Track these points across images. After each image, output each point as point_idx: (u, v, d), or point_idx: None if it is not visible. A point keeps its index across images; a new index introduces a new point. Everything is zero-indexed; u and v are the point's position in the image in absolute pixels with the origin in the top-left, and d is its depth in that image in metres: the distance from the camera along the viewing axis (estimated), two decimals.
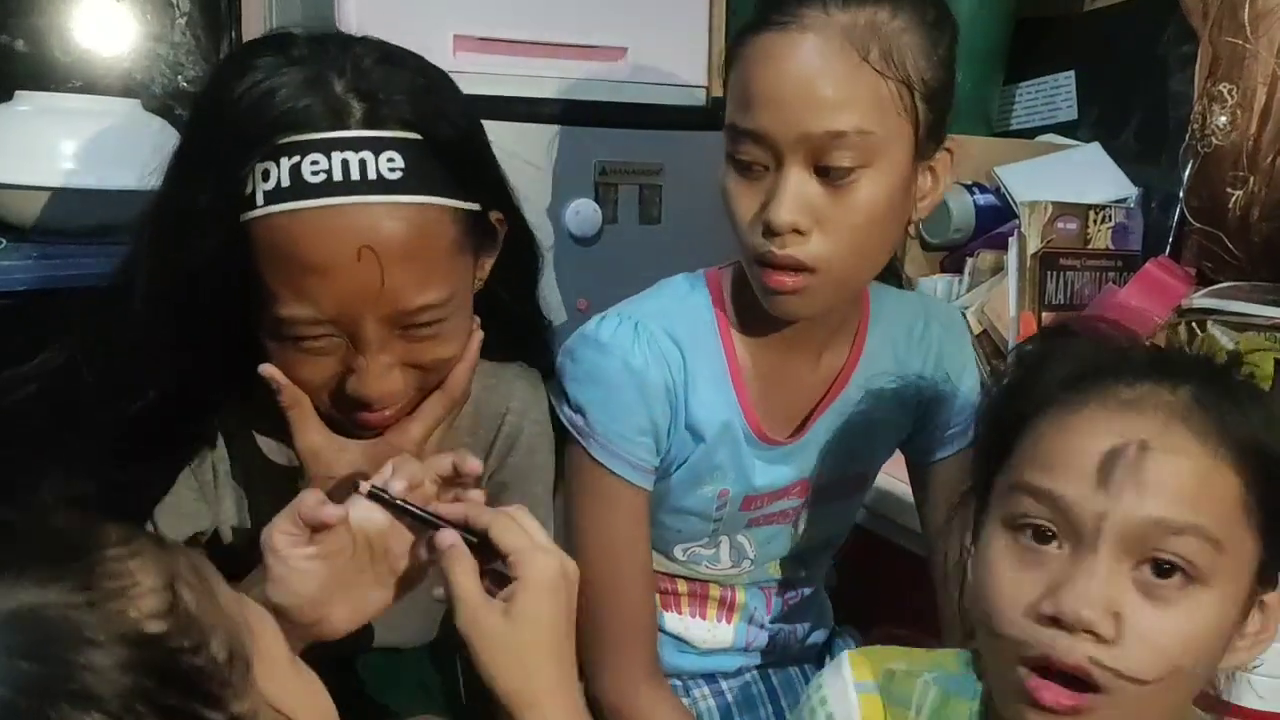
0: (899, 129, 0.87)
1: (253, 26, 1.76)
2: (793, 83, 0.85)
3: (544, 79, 1.52)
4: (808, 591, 1.18)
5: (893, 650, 0.83)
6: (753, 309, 0.98)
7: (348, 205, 0.75)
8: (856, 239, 0.89)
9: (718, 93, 1.75)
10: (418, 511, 0.74)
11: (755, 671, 1.16)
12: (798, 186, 0.87)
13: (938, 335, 1.09)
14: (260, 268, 0.76)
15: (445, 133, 0.79)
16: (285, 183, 0.74)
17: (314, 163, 0.74)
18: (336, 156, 0.74)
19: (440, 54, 1.46)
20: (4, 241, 1.23)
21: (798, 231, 0.87)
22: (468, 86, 1.41)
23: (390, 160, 0.75)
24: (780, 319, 0.97)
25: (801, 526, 1.11)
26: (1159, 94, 1.67)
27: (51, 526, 0.51)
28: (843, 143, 0.85)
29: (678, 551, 1.09)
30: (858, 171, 0.87)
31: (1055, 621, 0.64)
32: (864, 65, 0.85)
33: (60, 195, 1.22)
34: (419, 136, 0.77)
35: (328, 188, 0.74)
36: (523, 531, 0.74)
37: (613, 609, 0.99)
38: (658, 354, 0.97)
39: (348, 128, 0.75)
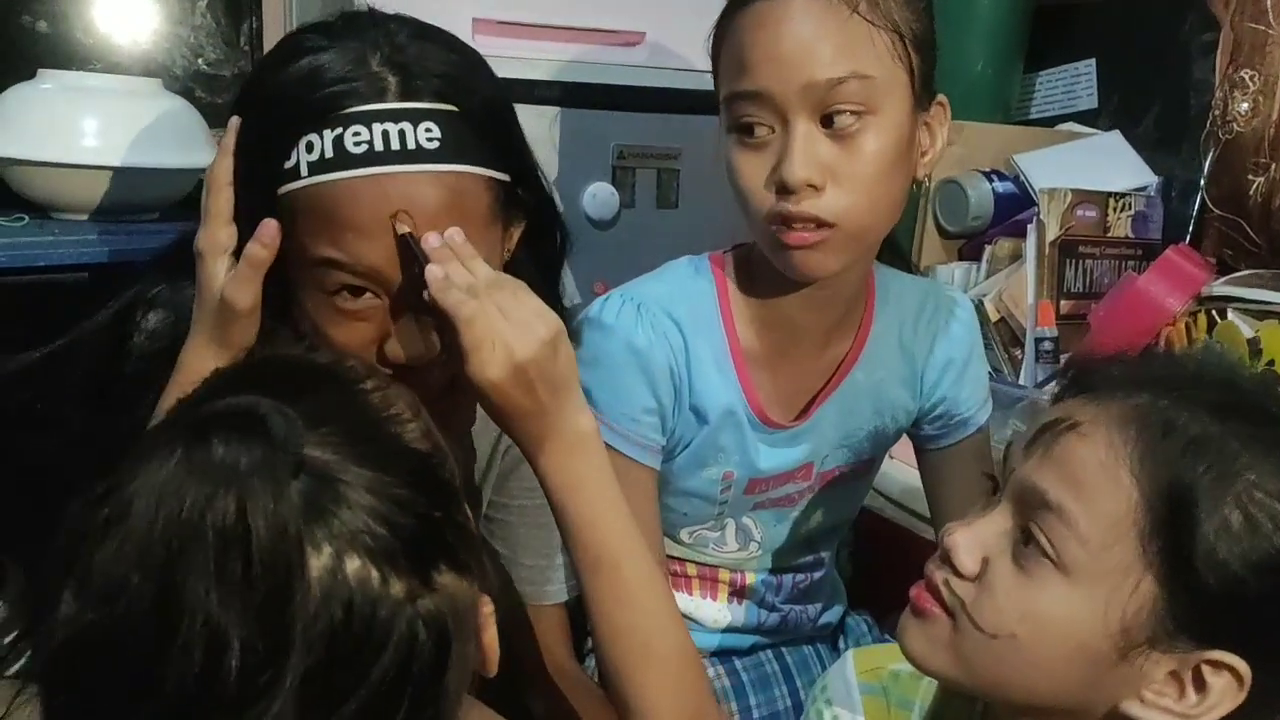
0: (895, 76, 0.89)
1: (273, 11, 1.77)
2: (790, 39, 0.87)
3: (562, 63, 1.53)
4: (818, 574, 1.18)
5: (896, 650, 0.84)
6: (757, 291, 0.99)
7: (389, 174, 0.77)
8: (869, 190, 0.89)
9: None
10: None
11: (769, 650, 1.16)
12: (806, 142, 0.87)
13: (944, 320, 1.09)
14: (305, 236, 0.79)
15: (478, 105, 0.81)
16: (329, 154, 0.77)
17: (356, 134, 0.77)
18: (377, 128, 0.77)
19: (460, 37, 1.49)
20: (25, 218, 1.24)
21: (812, 187, 0.88)
22: None
23: (428, 130, 0.78)
24: (783, 301, 0.97)
25: (808, 509, 1.11)
26: (1180, 82, 1.67)
27: (308, 361, 0.60)
28: (845, 90, 0.86)
29: (684, 535, 1.09)
30: (863, 119, 0.88)
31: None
32: (855, 16, 0.87)
33: (81, 173, 1.23)
34: (454, 108, 0.79)
35: (369, 157, 0.77)
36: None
37: None
38: (660, 335, 0.97)
39: (386, 100, 0.78)
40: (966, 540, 0.70)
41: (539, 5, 1.51)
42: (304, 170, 0.78)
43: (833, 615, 1.22)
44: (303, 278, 0.82)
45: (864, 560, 1.46)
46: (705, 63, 1.65)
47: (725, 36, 0.93)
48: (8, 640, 1.01)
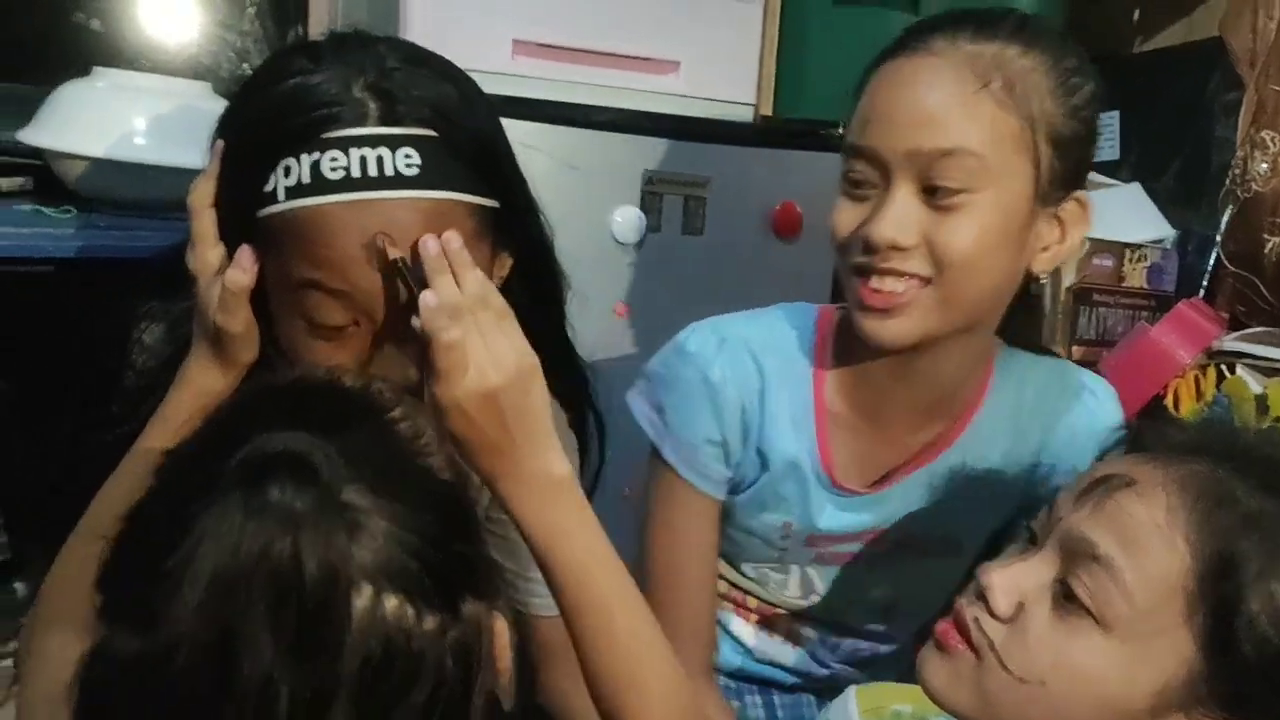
0: (1015, 164, 0.86)
1: (318, 19, 1.82)
2: (908, 102, 0.86)
3: (598, 87, 1.56)
4: (886, 650, 1.13)
5: (900, 689, 0.84)
6: (852, 352, 0.97)
7: (365, 200, 0.76)
8: (958, 265, 0.87)
9: (766, 110, 1.78)
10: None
11: (812, 695, 1.15)
12: (902, 205, 0.86)
13: (1068, 404, 1.02)
14: (283, 261, 0.79)
15: (464, 130, 0.80)
16: (306, 179, 0.76)
17: (333, 159, 0.76)
18: (355, 153, 0.76)
19: (499, 57, 1.53)
20: (73, 210, 1.28)
21: (898, 249, 0.86)
22: (523, 90, 1.49)
23: (407, 156, 0.77)
24: (872, 368, 0.95)
25: (877, 575, 1.07)
26: (1202, 138, 1.69)
27: (341, 388, 0.61)
28: (950, 162, 0.84)
29: (748, 568, 1.08)
30: (964, 195, 0.85)
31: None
32: (983, 93, 0.85)
33: (129, 169, 1.27)
34: (435, 134, 0.79)
35: (347, 183, 0.76)
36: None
37: (672, 607, 0.99)
38: (738, 373, 0.97)
39: (366, 125, 0.77)
40: (1004, 582, 0.69)
41: (578, 30, 1.55)
42: (281, 195, 0.77)
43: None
44: (281, 301, 0.81)
45: None
46: (736, 94, 1.71)
47: (862, 86, 0.91)
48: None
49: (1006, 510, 1.05)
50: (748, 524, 1.03)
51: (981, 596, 0.70)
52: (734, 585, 1.10)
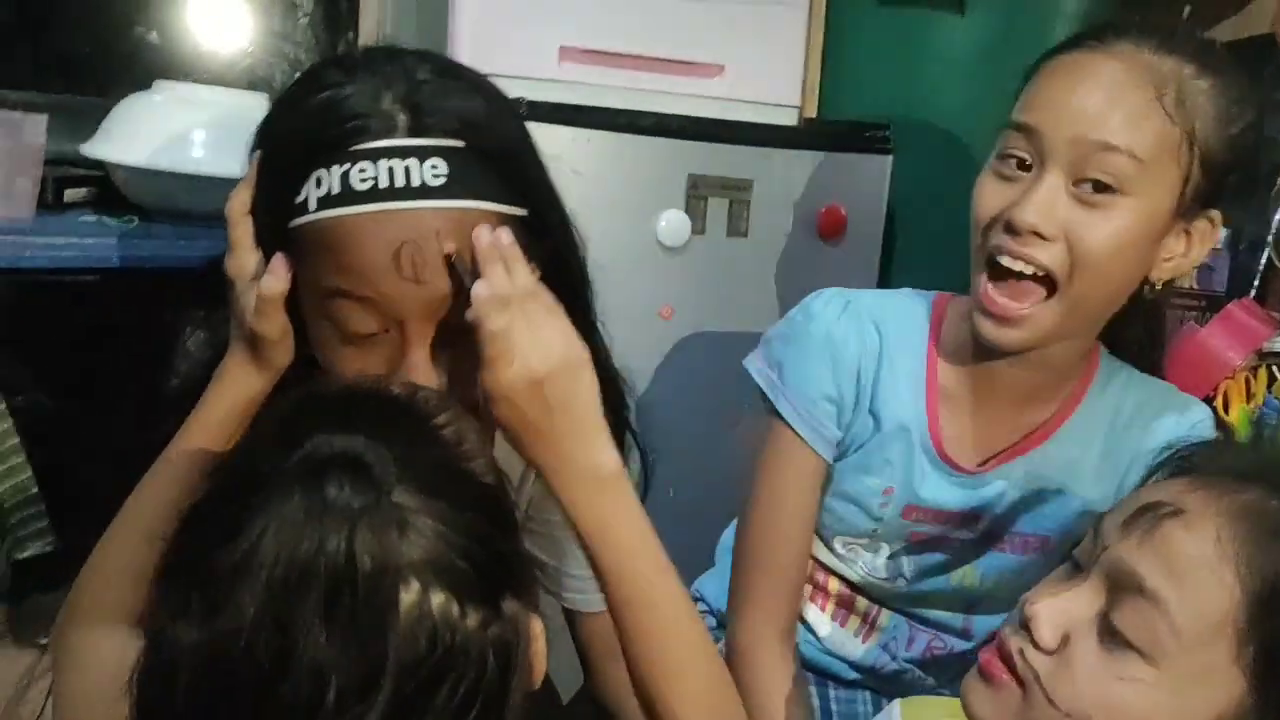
0: (1166, 176, 0.88)
1: (369, 28, 1.85)
2: (1082, 91, 0.88)
3: (643, 92, 1.58)
4: (961, 648, 1.13)
5: (946, 703, 0.83)
6: (963, 341, 1.00)
7: (392, 210, 0.78)
8: (1091, 264, 0.89)
9: (810, 113, 1.80)
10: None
11: (870, 693, 1.15)
12: (1049, 192, 0.88)
13: (1168, 438, 0.99)
14: (314, 269, 0.81)
15: (491, 140, 0.82)
16: (336, 190, 0.78)
17: (362, 170, 0.77)
18: (383, 164, 0.78)
19: (546, 64, 1.56)
20: (135, 219, 1.33)
21: (1038, 235, 0.88)
22: (571, 96, 1.51)
23: (434, 167, 0.78)
24: (985, 358, 0.98)
25: (963, 564, 1.08)
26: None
27: (389, 394, 0.63)
28: (1109, 158, 0.87)
29: (838, 544, 1.09)
30: (1113, 195, 0.88)
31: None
32: (1156, 104, 0.87)
33: (188, 180, 1.31)
34: (463, 144, 0.80)
35: (375, 194, 0.78)
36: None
37: (765, 560, 1.04)
38: (858, 334, 1.01)
39: (394, 137, 0.79)
40: (1049, 613, 0.68)
41: (624, 36, 1.57)
42: (312, 205, 0.79)
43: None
44: (314, 308, 0.83)
45: None
46: (781, 97, 1.72)
47: (1034, 73, 0.93)
48: None
49: (1089, 521, 1.04)
50: (850, 489, 1.05)
51: (1025, 626, 0.69)
52: (821, 565, 1.11)
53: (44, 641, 1.01)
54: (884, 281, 1.70)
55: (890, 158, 1.65)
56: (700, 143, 1.56)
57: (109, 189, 1.37)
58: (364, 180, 0.77)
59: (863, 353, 1.01)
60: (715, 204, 1.56)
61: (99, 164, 1.36)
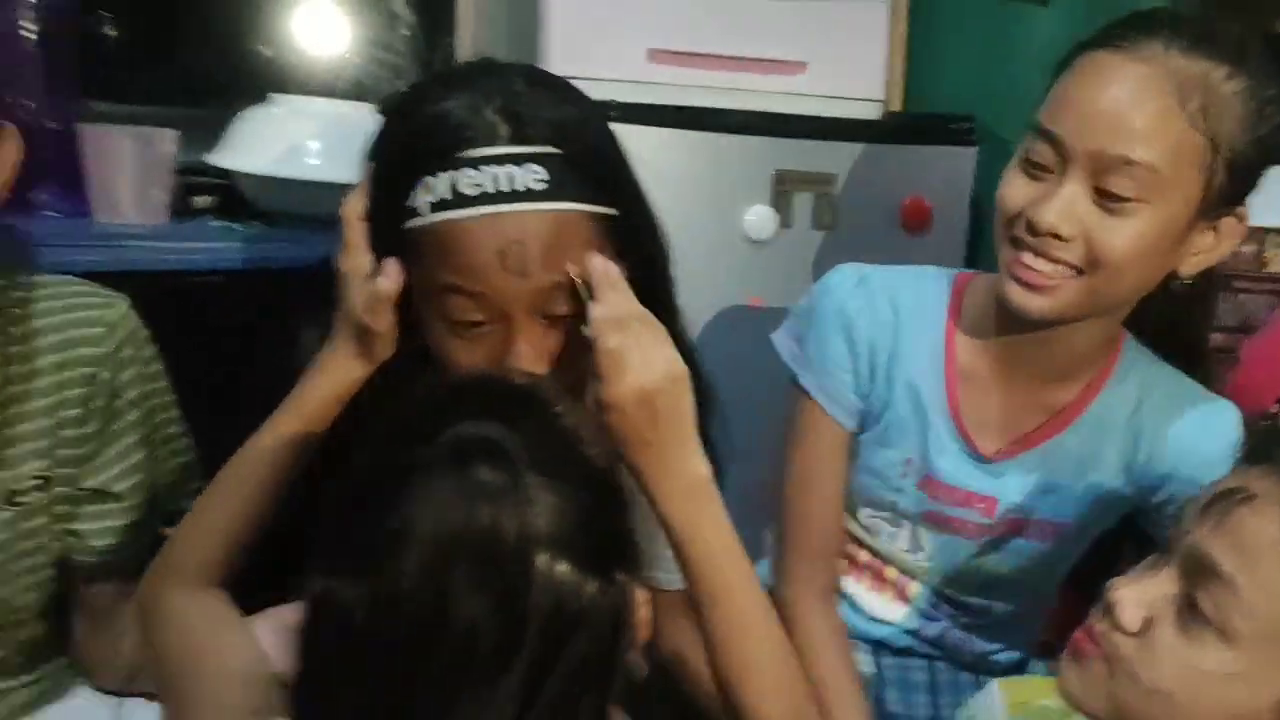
0: (1188, 179, 0.89)
1: (465, 37, 1.93)
2: (1104, 101, 0.89)
3: (729, 90, 1.62)
4: (987, 622, 1.15)
5: (1046, 683, 0.85)
6: (987, 312, 1.03)
7: (498, 213, 0.84)
8: (1111, 263, 0.91)
9: (894, 106, 1.82)
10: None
11: (923, 660, 1.17)
12: (1070, 197, 0.90)
13: (1189, 423, 1.03)
14: (426, 268, 0.88)
15: (583, 146, 0.87)
16: (445, 195, 0.84)
17: (469, 177, 0.84)
18: (488, 171, 0.84)
19: (635, 65, 1.61)
20: (256, 224, 1.42)
21: (1057, 237, 0.91)
22: (659, 97, 1.57)
23: (535, 172, 0.84)
24: (1006, 335, 1.01)
25: (986, 551, 1.10)
26: None
27: (516, 384, 0.71)
28: (1129, 172, 0.88)
29: (863, 515, 1.13)
30: (1134, 204, 0.89)
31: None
32: (1178, 112, 0.88)
33: (304, 185, 1.40)
34: (560, 151, 0.86)
35: (481, 198, 0.84)
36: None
37: (800, 527, 1.10)
38: (872, 309, 1.05)
39: (497, 145, 0.84)
40: (1131, 597, 0.72)
41: (709, 37, 1.62)
42: (424, 210, 0.85)
43: (1009, 657, 1.19)
44: (426, 303, 0.89)
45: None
46: (864, 92, 1.75)
47: (1062, 69, 0.94)
48: None
49: (1115, 510, 1.08)
50: (871, 462, 1.09)
51: (1110, 611, 0.73)
52: (851, 537, 1.14)
53: None
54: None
55: (975, 149, 1.66)
56: (785, 139, 1.60)
57: (232, 196, 1.47)
58: (471, 186, 0.84)
59: (877, 327, 1.05)
60: (801, 198, 1.60)
61: (223, 172, 1.46)
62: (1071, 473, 1.05)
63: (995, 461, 1.06)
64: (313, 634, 0.64)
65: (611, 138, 0.92)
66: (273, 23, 1.80)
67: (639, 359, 0.82)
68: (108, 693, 1.09)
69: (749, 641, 0.83)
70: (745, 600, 0.84)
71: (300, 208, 1.43)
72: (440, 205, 0.85)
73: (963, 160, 1.67)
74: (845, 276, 1.08)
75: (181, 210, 1.44)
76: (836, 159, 1.62)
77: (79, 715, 1.04)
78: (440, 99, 0.87)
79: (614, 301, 0.84)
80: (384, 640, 0.60)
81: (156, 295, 1.08)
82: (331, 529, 0.64)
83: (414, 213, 0.86)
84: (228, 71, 1.78)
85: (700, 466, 0.84)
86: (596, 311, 0.83)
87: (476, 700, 0.60)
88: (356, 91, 1.81)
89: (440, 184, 0.85)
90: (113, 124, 1.42)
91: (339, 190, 1.37)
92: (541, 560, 0.61)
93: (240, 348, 1.37)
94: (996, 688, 0.90)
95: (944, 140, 1.68)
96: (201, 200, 1.50)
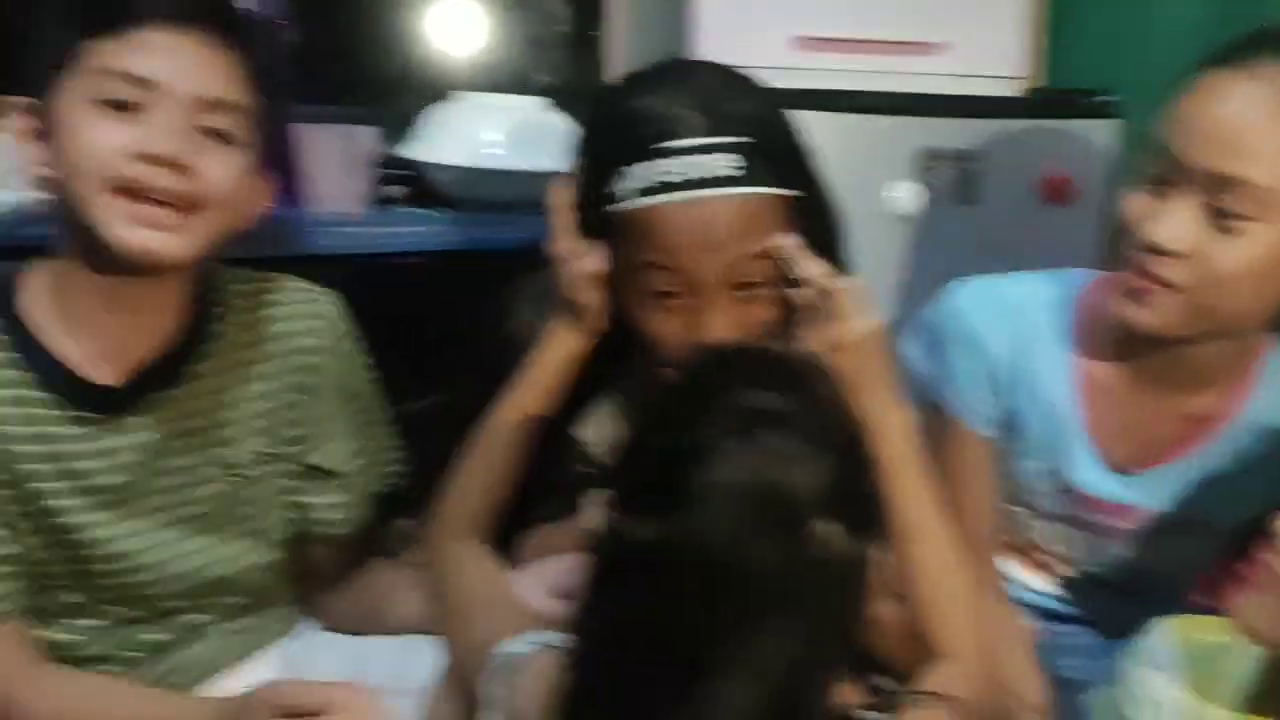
0: None
1: (616, 28, 2.03)
2: (1215, 119, 0.91)
3: (871, 73, 1.69)
4: (1140, 596, 1.13)
5: (1217, 622, 0.88)
6: (1110, 330, 1.02)
7: (695, 198, 0.93)
8: (1218, 284, 0.92)
9: (1036, 83, 1.86)
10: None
11: (1086, 625, 1.18)
12: (1182, 215, 0.91)
13: None
14: (628, 248, 0.97)
15: (771, 135, 0.97)
16: (648, 183, 0.94)
17: (668, 166, 0.93)
18: (686, 160, 0.93)
19: (779, 51, 1.69)
20: (447, 211, 1.56)
21: (1168, 254, 0.92)
22: (804, 81, 1.65)
23: (728, 160, 0.93)
24: (1131, 347, 1.01)
25: (1126, 546, 1.11)
26: None
27: (780, 355, 0.79)
28: (1241, 191, 0.89)
29: (1011, 507, 1.15)
30: (1249, 223, 0.90)
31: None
32: None
33: (487, 174, 1.53)
34: (750, 140, 0.94)
35: (679, 185, 0.93)
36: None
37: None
38: (1002, 329, 1.06)
39: (695, 136, 0.94)
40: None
41: (851, 21, 1.69)
42: (627, 196, 0.95)
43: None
44: (627, 280, 0.98)
45: None
46: (1005, 68, 1.79)
47: (1185, 90, 0.95)
48: None
49: (1271, 504, 1.06)
50: (1010, 468, 1.11)
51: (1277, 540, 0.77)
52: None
53: (408, 557, 1.23)
54: (1113, 246, 1.75)
55: (1115, 122, 1.69)
56: (928, 118, 1.66)
57: (420, 185, 1.61)
58: (670, 174, 0.94)
59: (1007, 346, 1.05)
60: (944, 175, 1.66)
61: (410, 164, 1.60)
62: (1223, 479, 1.05)
63: (1135, 472, 1.07)
64: (605, 568, 0.71)
65: (795, 126, 1.02)
66: (449, 27, 1.96)
67: (862, 301, 0.91)
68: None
69: (947, 575, 0.90)
70: (946, 535, 0.91)
71: (485, 194, 1.56)
72: (642, 192, 0.95)
73: (1103, 133, 1.70)
74: (971, 297, 1.08)
75: (376, 200, 1.59)
76: (978, 135, 1.67)
77: (321, 647, 1.13)
78: (641, 95, 0.98)
79: (816, 263, 0.93)
80: (681, 580, 0.67)
81: (357, 278, 1.21)
82: (628, 475, 0.72)
83: (618, 198, 0.96)
84: (406, 71, 1.94)
85: (903, 405, 0.92)
86: (811, 269, 0.93)
87: (759, 643, 0.66)
88: (522, 86, 1.94)
89: (642, 172, 0.94)
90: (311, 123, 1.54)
91: (518, 177, 1.52)
92: (818, 521, 0.66)
93: (430, 324, 1.51)
94: (1167, 626, 0.91)
95: (1084, 114, 1.71)
96: (392, 190, 1.63)
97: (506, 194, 1.55)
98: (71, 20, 0.92)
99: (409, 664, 1.00)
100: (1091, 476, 1.08)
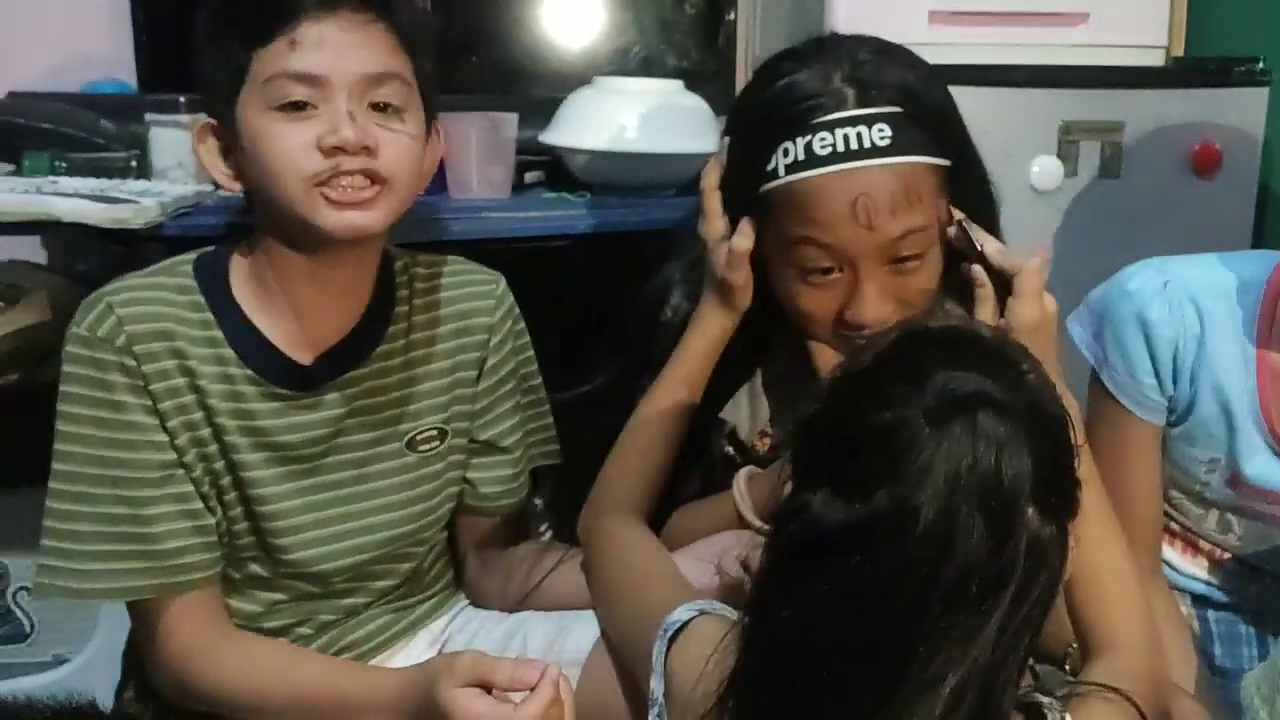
0: None
1: (747, 9, 2.05)
2: None
3: (1010, 46, 1.68)
4: None
5: None
6: None
7: (849, 169, 0.95)
8: None
9: (1177, 52, 1.82)
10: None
11: (1251, 615, 1.17)
12: None
13: None
14: (783, 223, 0.99)
15: (922, 104, 0.98)
16: (801, 157, 0.96)
17: (822, 139, 0.95)
18: (839, 132, 0.95)
19: (917, 28, 1.69)
20: (586, 194, 1.60)
21: None
22: (941, 56, 1.61)
23: (880, 131, 0.95)
24: None
25: None
26: None
27: (983, 337, 0.76)
28: None
29: (1171, 494, 1.14)
30: None
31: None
32: None
33: (624, 158, 1.55)
34: (901, 110, 0.95)
35: (834, 157, 0.95)
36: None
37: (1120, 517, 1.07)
38: (1176, 315, 1.04)
39: (846, 109, 0.95)
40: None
41: None
42: (782, 171, 0.97)
43: None
44: (780, 256, 0.99)
45: None
46: (1147, 39, 1.75)
47: None
48: (544, 529, 1.30)
49: None
50: (1176, 455, 1.10)
51: None
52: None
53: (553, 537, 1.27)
54: (1261, 216, 1.70)
55: (1265, 90, 1.65)
56: (1069, 90, 1.64)
57: (559, 170, 1.65)
58: (824, 147, 0.96)
59: (1181, 334, 1.04)
60: (1087, 147, 1.64)
61: (549, 149, 1.64)
62: None
63: None
64: (792, 549, 0.71)
65: (947, 95, 1.02)
66: (586, 16, 2.02)
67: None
68: None
69: (1114, 566, 0.88)
70: (1113, 526, 0.90)
71: (622, 178, 1.59)
72: (796, 166, 0.97)
73: (1253, 102, 1.67)
74: (1146, 279, 1.06)
75: (516, 184, 1.63)
76: (1122, 107, 1.65)
77: (482, 621, 1.15)
78: (791, 72, 0.99)
79: (996, 241, 0.95)
80: (886, 562, 0.66)
81: (502, 259, 1.24)
82: (816, 455, 0.71)
83: (771, 175, 0.98)
84: (547, 60, 2.00)
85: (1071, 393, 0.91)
86: (993, 245, 0.95)
87: (964, 628, 0.66)
88: (657, 69, 1.97)
89: (796, 147, 0.96)
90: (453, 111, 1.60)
91: (656, 160, 1.55)
92: (1027, 506, 0.67)
93: (574, 304, 1.55)
94: None
95: (1232, 83, 1.68)
96: (532, 175, 1.68)
97: (643, 177, 1.58)
98: (233, 37, 0.97)
99: (564, 639, 1.03)
100: (1262, 468, 1.06)
